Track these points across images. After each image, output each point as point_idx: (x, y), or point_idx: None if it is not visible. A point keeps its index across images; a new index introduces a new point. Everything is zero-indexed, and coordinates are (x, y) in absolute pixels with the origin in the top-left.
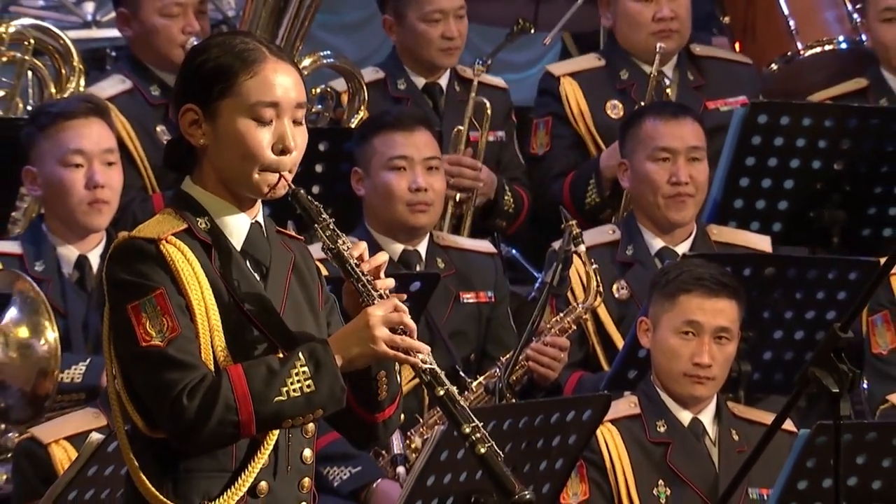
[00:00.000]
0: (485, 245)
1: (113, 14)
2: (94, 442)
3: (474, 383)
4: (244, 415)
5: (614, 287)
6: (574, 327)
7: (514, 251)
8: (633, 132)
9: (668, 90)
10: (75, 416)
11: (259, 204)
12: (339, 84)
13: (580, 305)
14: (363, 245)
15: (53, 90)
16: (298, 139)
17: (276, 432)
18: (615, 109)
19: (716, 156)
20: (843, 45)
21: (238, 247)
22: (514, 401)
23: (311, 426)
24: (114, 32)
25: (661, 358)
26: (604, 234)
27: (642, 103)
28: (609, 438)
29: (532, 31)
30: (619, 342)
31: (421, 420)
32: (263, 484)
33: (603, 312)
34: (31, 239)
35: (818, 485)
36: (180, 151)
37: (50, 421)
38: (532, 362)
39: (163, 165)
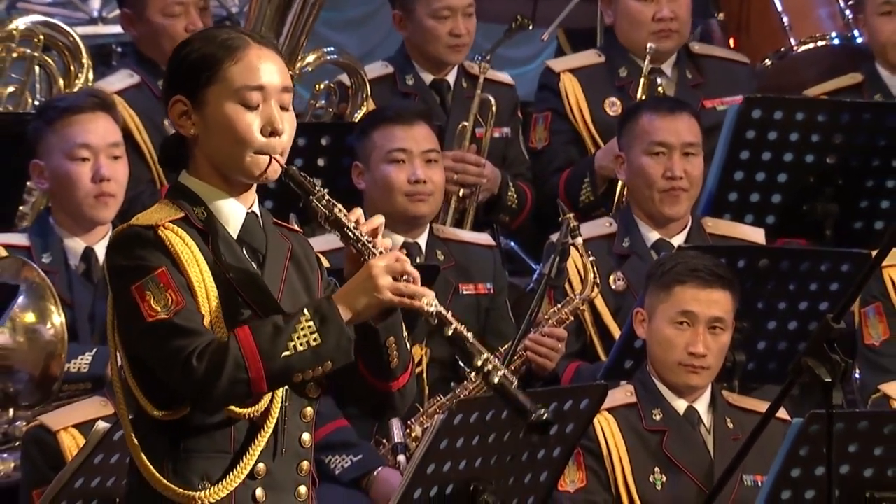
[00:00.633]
0: (484, 237)
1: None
2: (101, 430)
3: (473, 374)
4: (254, 371)
5: (611, 278)
6: (571, 318)
7: (512, 243)
8: (630, 126)
9: (661, 89)
10: (84, 405)
11: (254, 194)
12: (345, 78)
13: (577, 297)
14: (359, 210)
15: (62, 85)
16: (287, 123)
17: (275, 416)
18: (613, 107)
19: (712, 154)
20: (836, 42)
21: (234, 235)
22: None
23: (309, 410)
24: (119, 29)
25: (656, 348)
26: (601, 226)
27: None
28: (606, 427)
29: (530, 27)
30: (616, 333)
31: (421, 409)
32: (261, 465)
33: (600, 303)
34: (38, 231)
35: (811, 472)
36: (174, 148)
37: (58, 409)
38: (530, 353)
39: (158, 163)
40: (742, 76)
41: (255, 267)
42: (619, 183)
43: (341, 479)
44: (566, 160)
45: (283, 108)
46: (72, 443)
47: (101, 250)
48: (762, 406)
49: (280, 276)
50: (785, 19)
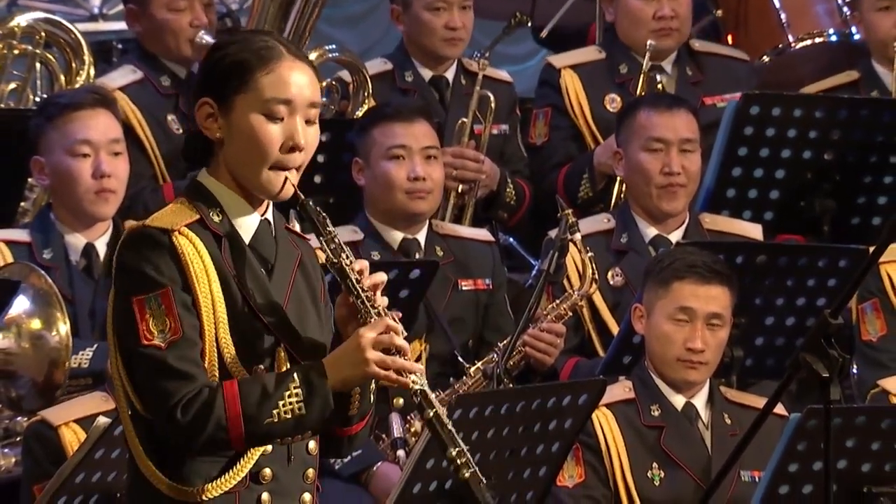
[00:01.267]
0: (483, 233)
1: (120, 7)
2: (101, 425)
3: (472, 369)
4: (234, 433)
5: (609, 274)
6: (570, 314)
7: (511, 239)
8: (628, 122)
9: (660, 86)
10: (84, 400)
11: (269, 201)
12: (346, 75)
13: (576, 292)
14: (364, 262)
15: (63, 82)
16: (310, 138)
17: None
18: (613, 103)
19: (711, 151)
20: (833, 38)
21: (247, 241)
22: (511, 386)
23: None
24: (120, 25)
25: (654, 343)
26: (599, 222)
27: None
28: (604, 422)
29: (529, 24)
30: (614, 328)
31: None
32: (267, 471)
33: (598, 299)
34: (39, 227)
35: (808, 467)
36: (198, 144)
37: (59, 404)
38: (529, 348)
39: (182, 157)
40: (742, 74)
41: (263, 274)
42: (618, 179)
43: (341, 473)
44: (566, 156)
45: (309, 122)
46: (73, 438)
47: (101, 246)
48: (760, 402)
49: (287, 284)
50: (783, 16)
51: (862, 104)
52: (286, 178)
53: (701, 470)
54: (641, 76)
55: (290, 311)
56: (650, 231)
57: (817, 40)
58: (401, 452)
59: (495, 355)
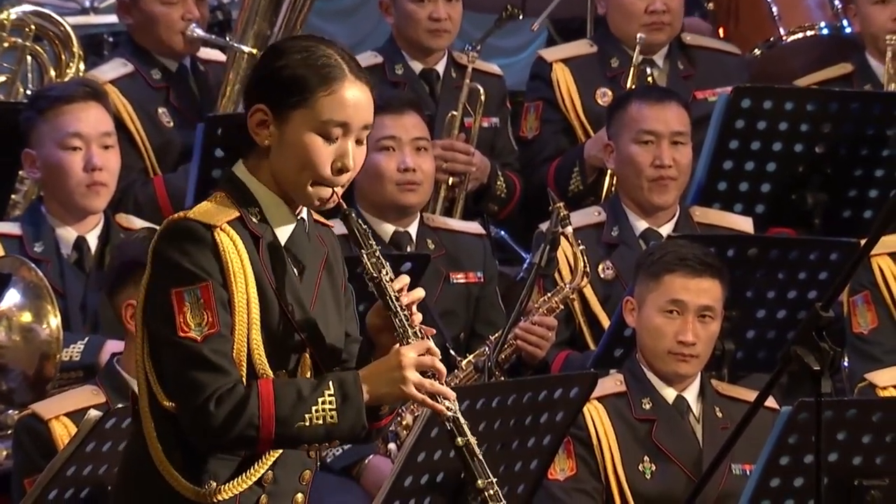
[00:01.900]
0: (474, 226)
1: (111, 0)
2: (92, 419)
3: (464, 362)
4: (265, 433)
5: (600, 267)
6: (561, 307)
7: (502, 232)
8: (618, 115)
9: (650, 79)
10: (75, 393)
11: None
12: None
13: (567, 286)
14: (405, 279)
15: (53, 75)
16: (357, 158)
17: None
18: (605, 97)
19: (702, 145)
20: (825, 31)
21: (283, 241)
22: (502, 379)
23: None
24: (111, 18)
25: (646, 336)
26: (590, 215)
27: None
28: (595, 415)
29: (520, 17)
30: (605, 321)
31: None
32: (270, 474)
33: (589, 292)
34: (30, 220)
35: (800, 460)
36: (242, 140)
37: (50, 398)
38: (520, 341)
39: (222, 146)
40: (734, 67)
41: (297, 277)
42: (608, 172)
43: (332, 466)
44: (556, 150)
45: (359, 142)
46: (63, 431)
47: (93, 239)
48: (751, 395)
49: (314, 285)
50: (774, 9)
51: (853, 97)
52: (333, 192)
53: (692, 463)
54: (632, 70)
55: (316, 311)
56: (640, 224)
57: (809, 33)
58: (392, 446)
59: (487, 348)
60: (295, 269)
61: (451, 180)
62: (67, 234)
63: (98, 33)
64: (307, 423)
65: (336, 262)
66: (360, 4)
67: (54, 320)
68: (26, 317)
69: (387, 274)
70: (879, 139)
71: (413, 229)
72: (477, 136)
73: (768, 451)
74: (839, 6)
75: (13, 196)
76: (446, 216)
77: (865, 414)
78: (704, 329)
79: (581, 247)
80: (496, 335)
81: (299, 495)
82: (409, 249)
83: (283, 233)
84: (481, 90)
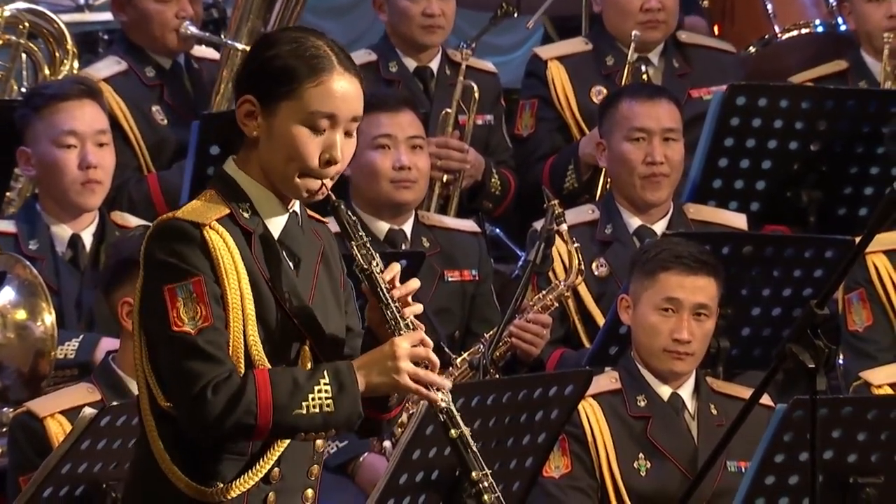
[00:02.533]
0: (469, 224)
1: None
2: (87, 416)
3: (459, 359)
4: (262, 420)
5: (594, 265)
6: (556, 305)
7: (497, 230)
8: (610, 112)
9: (645, 77)
10: (70, 391)
11: None
12: None
13: (562, 283)
14: (396, 267)
15: (47, 73)
16: (346, 151)
17: None
18: (600, 95)
19: (697, 143)
20: (820, 29)
21: (276, 235)
22: (497, 376)
23: None
24: (106, 16)
25: (641, 334)
26: (584, 213)
27: None
28: (590, 413)
29: (515, 14)
30: (599, 319)
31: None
32: (276, 470)
33: (583, 290)
34: (25, 218)
35: (795, 458)
36: (233, 133)
37: (45, 395)
38: (515, 339)
39: (213, 140)
40: (729, 65)
41: (292, 270)
42: (603, 170)
43: (327, 464)
44: (551, 147)
45: (348, 134)
46: (58, 429)
47: (87, 237)
48: (746, 392)
49: (312, 278)
50: (769, 6)
51: (848, 95)
52: (322, 184)
53: (687, 460)
54: (627, 67)
55: (315, 304)
56: (634, 221)
57: (804, 31)
58: (387, 443)
59: (481, 346)
60: (290, 263)
61: (445, 178)
62: (62, 231)
63: (92, 31)
64: (304, 412)
65: (333, 256)
66: (356, 2)
67: (49, 318)
68: (21, 314)
69: (377, 265)
70: (874, 136)
71: (408, 227)
72: (471, 134)
73: (763, 448)
74: (834, 4)
75: (8, 193)
76: (441, 214)
77: (860, 412)
78: (699, 327)
79: (576, 244)
80: (491, 333)
81: (309, 491)
82: (403, 247)
83: (276, 226)
84: (475, 87)
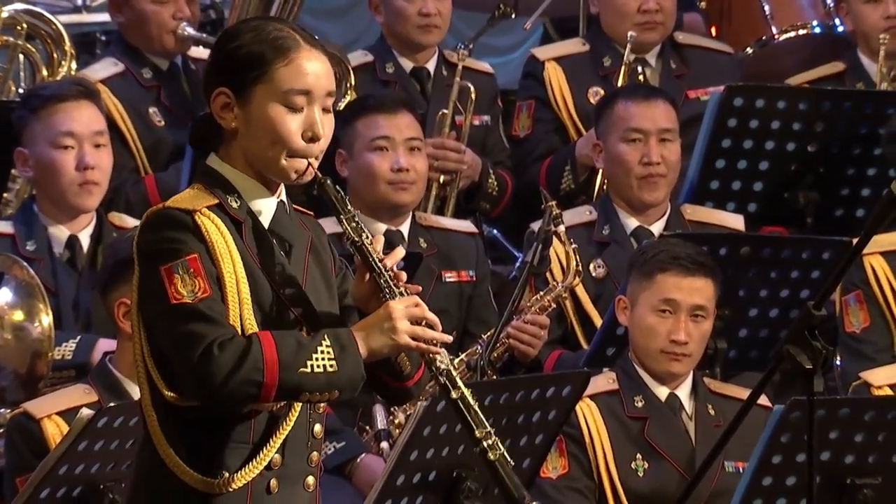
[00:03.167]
0: (466, 225)
1: None
2: (85, 417)
3: (456, 360)
4: (269, 377)
5: (591, 266)
6: (554, 305)
7: (495, 231)
8: (606, 114)
9: (642, 78)
10: (67, 392)
11: (283, 183)
12: None
13: (560, 284)
14: (382, 239)
15: (45, 74)
16: (326, 127)
17: (297, 409)
18: (597, 96)
19: (695, 144)
20: (817, 30)
21: (266, 225)
22: (495, 377)
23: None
24: (104, 17)
25: (638, 335)
26: (581, 214)
27: None
28: (588, 414)
29: (513, 15)
30: (597, 320)
31: None
32: (277, 457)
33: (580, 291)
34: (22, 219)
35: (792, 459)
36: (209, 130)
37: (42, 396)
38: (513, 340)
39: (189, 143)
40: (726, 66)
41: (285, 259)
42: (600, 171)
43: (325, 465)
44: (548, 148)
45: (325, 110)
46: (55, 430)
47: (85, 238)
48: (743, 393)
49: (303, 265)
50: (766, 8)
51: (845, 96)
52: (308, 164)
53: (685, 461)
54: (623, 68)
55: (308, 290)
56: (631, 222)
57: (801, 32)
58: (384, 444)
59: (479, 347)
60: (281, 251)
61: (442, 179)
62: (60, 232)
63: (90, 32)
64: (309, 370)
65: (322, 244)
66: (353, 4)
67: (46, 319)
68: (18, 315)
69: (367, 237)
70: (872, 138)
71: (405, 228)
72: (468, 135)
73: (761, 449)
74: (831, 5)
75: (5, 195)
76: (438, 215)
77: (858, 413)
78: (697, 328)
79: (573, 245)
80: (489, 334)
81: (310, 478)
82: (401, 248)
83: (266, 215)
84: (472, 88)
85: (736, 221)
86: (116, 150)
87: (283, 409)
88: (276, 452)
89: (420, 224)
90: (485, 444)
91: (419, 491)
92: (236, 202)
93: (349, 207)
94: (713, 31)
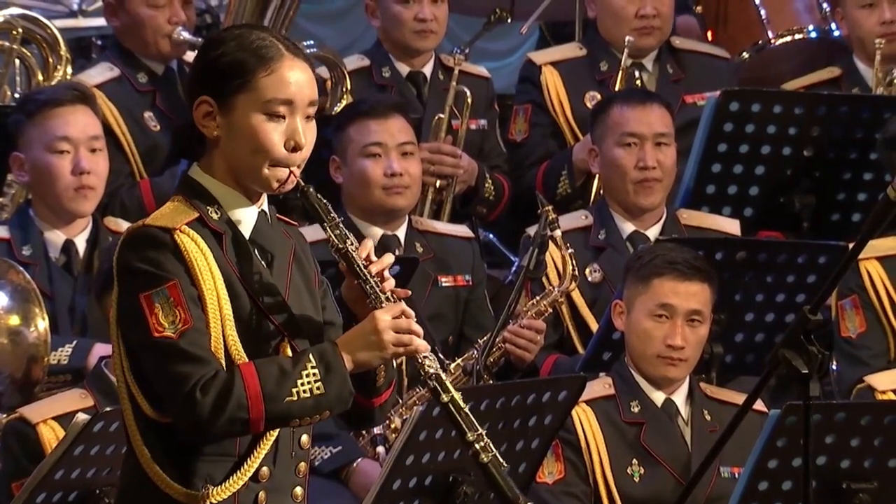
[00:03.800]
0: (462, 229)
1: (99, 3)
2: (80, 422)
3: (452, 365)
4: (255, 413)
5: (587, 270)
6: (550, 310)
7: (491, 236)
8: (602, 118)
9: (639, 82)
10: (63, 397)
11: (265, 193)
12: (324, 71)
13: (556, 289)
14: (369, 244)
15: (41, 78)
16: (309, 136)
17: None
18: (594, 100)
19: (691, 149)
20: (813, 35)
21: (247, 235)
22: (491, 382)
23: None
24: (99, 21)
25: (634, 340)
26: (577, 219)
27: None
28: (584, 419)
29: (509, 20)
30: (593, 324)
31: (400, 401)
32: (265, 469)
33: (576, 295)
34: (18, 224)
35: (788, 464)
36: (191, 140)
37: (38, 401)
38: (509, 344)
39: (171, 153)
40: (723, 71)
41: (266, 268)
42: (596, 175)
43: (320, 470)
44: (545, 153)
45: (308, 119)
46: (51, 435)
47: (81, 243)
48: (739, 398)
49: (286, 275)
50: (762, 12)
51: (841, 101)
52: (290, 172)
53: (681, 466)
54: (620, 73)
55: (291, 302)
56: (627, 227)
57: (797, 37)
58: (380, 449)
59: (475, 352)
60: (263, 261)
61: (438, 183)
62: (56, 237)
63: (86, 36)
64: (295, 398)
65: (305, 255)
66: (350, 8)
67: (42, 323)
68: (14, 320)
69: (351, 244)
70: (868, 142)
71: (401, 232)
72: (464, 139)
73: (757, 454)
74: (827, 10)
75: (1, 199)
76: (434, 219)
77: (854, 417)
78: (693, 333)
79: (569, 250)
80: (485, 338)
81: (298, 489)
82: (397, 253)
83: (247, 225)
84: (468, 92)
85: (732, 226)
86: (112, 155)
87: None
88: (263, 465)
89: (416, 228)
90: (477, 446)
91: (415, 495)
92: (216, 213)
93: (332, 214)
94: (709, 35)
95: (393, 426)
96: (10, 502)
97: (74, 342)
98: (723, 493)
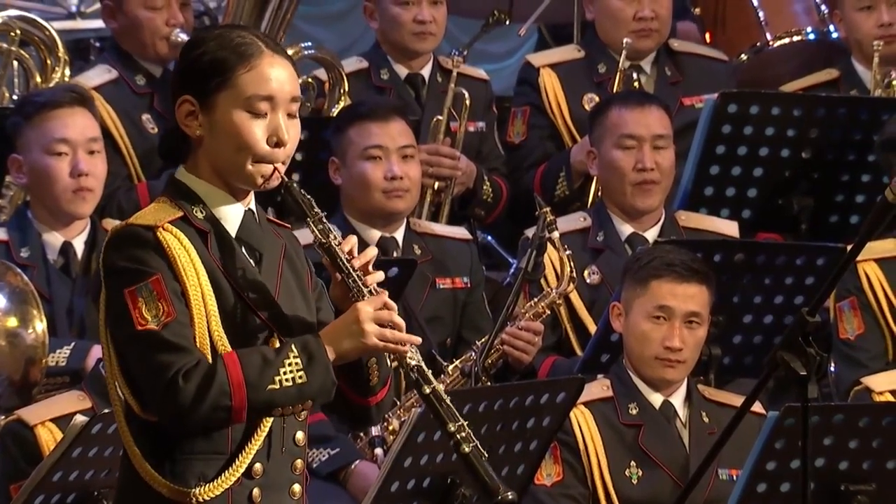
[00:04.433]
0: (460, 231)
1: (97, 5)
2: (79, 424)
3: (450, 367)
4: (237, 401)
5: (585, 272)
6: (548, 312)
7: (489, 237)
8: (600, 120)
9: (637, 84)
10: (61, 399)
11: (251, 192)
12: (323, 73)
13: (554, 291)
14: (353, 239)
15: (39, 80)
16: (292, 132)
17: (271, 417)
18: (592, 103)
19: (689, 151)
20: (811, 37)
21: (233, 234)
22: (489, 384)
23: (303, 411)
24: (98, 23)
25: (633, 342)
26: (575, 221)
27: None
28: (582, 420)
29: (507, 22)
30: (591, 326)
31: (398, 403)
32: (258, 466)
33: (575, 297)
34: (16, 226)
35: (786, 465)
36: (175, 141)
37: (36, 403)
38: (507, 346)
39: (159, 155)
40: (721, 74)
41: (253, 266)
42: (594, 177)
43: (318, 472)
44: (543, 155)
45: (290, 116)
46: (49, 437)
47: (79, 245)
48: (737, 400)
49: (276, 274)
50: (761, 14)
51: (840, 102)
52: (275, 169)
53: (679, 468)
54: (618, 75)
55: (281, 301)
56: (626, 229)
57: (795, 39)
58: (379, 451)
59: (473, 354)
60: (250, 259)
61: (436, 185)
62: (54, 239)
63: (84, 38)
64: (277, 386)
65: (298, 256)
66: (348, 10)
67: (40, 325)
68: (12, 322)
69: (335, 239)
70: (866, 144)
71: (399, 235)
72: (463, 141)
73: (755, 456)
74: (825, 12)
75: None
76: (432, 221)
77: (852, 419)
78: (691, 335)
79: (567, 252)
80: (483, 340)
81: (296, 486)
82: (395, 255)
83: (232, 224)
84: (466, 95)
85: (730, 228)
86: (109, 157)
87: (258, 418)
88: (255, 461)
89: (414, 231)
90: (458, 436)
91: (413, 497)
92: (201, 213)
93: (316, 209)
94: (707, 37)
95: (391, 428)
96: None
97: (72, 344)
98: (721, 495)
